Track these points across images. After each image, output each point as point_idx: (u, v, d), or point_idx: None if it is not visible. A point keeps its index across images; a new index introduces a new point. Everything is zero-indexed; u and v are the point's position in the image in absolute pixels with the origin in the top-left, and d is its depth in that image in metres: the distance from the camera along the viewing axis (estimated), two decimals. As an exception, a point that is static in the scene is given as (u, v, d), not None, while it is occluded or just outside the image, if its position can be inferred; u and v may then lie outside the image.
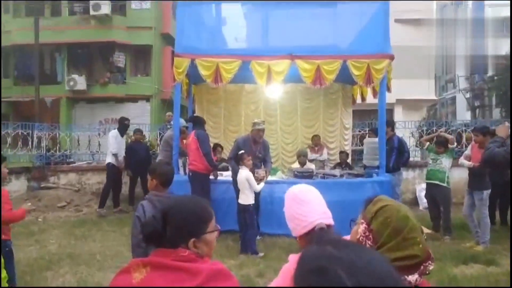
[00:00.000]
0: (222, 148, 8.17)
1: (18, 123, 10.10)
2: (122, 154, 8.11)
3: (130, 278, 1.29)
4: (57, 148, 10.49)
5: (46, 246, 5.62)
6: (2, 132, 9.40)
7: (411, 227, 1.27)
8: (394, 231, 1.27)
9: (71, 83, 16.56)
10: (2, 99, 17.33)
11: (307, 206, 1.59)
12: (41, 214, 7.72)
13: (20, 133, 9.76)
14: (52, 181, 9.35)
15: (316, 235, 1.50)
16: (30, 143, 9.91)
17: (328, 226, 1.58)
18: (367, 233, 1.35)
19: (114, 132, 8.16)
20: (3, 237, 3.06)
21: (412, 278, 1.20)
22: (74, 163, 10.24)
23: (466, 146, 7.70)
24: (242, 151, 5.51)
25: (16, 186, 8.78)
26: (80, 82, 16.65)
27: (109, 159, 8.00)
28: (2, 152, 8.23)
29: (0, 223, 3.01)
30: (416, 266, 1.22)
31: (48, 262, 4.90)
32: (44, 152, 10.08)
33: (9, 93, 17.46)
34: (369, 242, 1.30)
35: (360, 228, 1.35)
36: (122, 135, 8.23)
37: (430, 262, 1.28)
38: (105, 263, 4.90)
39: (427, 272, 1.29)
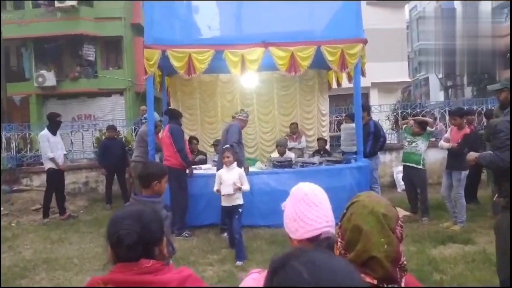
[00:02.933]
0: (197, 140, 8.03)
1: (-16, 124, 9.66)
2: (60, 155, 7.28)
3: None
4: (28, 148, 10.11)
5: (20, 252, 5.41)
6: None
7: (373, 226, 1.20)
8: (355, 228, 1.21)
9: (40, 79, 15.95)
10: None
11: (316, 211, 1.47)
12: (15, 219, 7.45)
13: (-13, 135, 9.35)
14: (25, 183, 9.04)
15: (323, 246, 1.40)
16: (-2, 144, 9.52)
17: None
18: (338, 231, 1.32)
19: (44, 133, 7.18)
20: None
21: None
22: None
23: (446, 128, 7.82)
24: (227, 146, 5.33)
25: (-14, 190, 8.42)
26: (49, 78, 16.05)
27: (48, 164, 7.13)
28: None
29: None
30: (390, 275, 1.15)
31: (23, 269, 4.73)
32: (15, 153, 9.71)
33: (-27, 92, 16.69)
34: (339, 240, 1.27)
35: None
36: (54, 134, 7.25)
37: (402, 262, 1.22)
38: (83, 266, 4.77)
39: (405, 269, 1.24)
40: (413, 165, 6.12)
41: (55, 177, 7.20)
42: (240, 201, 4.96)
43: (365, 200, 1.29)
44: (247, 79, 7.64)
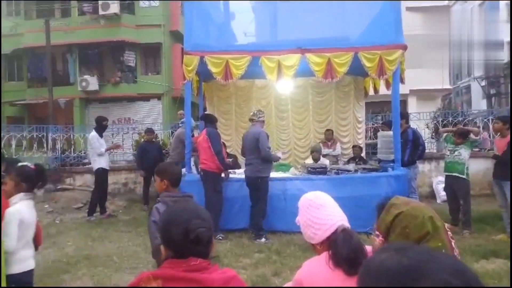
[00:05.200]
0: (225, 145, 8.11)
1: (33, 125, 10.23)
2: (106, 156, 7.73)
3: None
4: (72, 149, 10.60)
5: (63, 248, 5.68)
6: (18, 135, 9.54)
7: (432, 234, 1.19)
8: (415, 241, 1.19)
9: (84, 83, 16.75)
10: (16, 102, 17.68)
11: (326, 210, 1.57)
12: (58, 216, 7.83)
13: (35, 136, 9.89)
14: (68, 183, 9.48)
15: (340, 237, 1.47)
16: (45, 145, 10.04)
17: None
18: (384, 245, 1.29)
19: (94, 134, 7.54)
20: None
21: None
22: (89, 164, 10.35)
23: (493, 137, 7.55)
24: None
25: (33, 188, 8.90)
26: (92, 82, 16.82)
27: (98, 164, 7.45)
28: (18, 156, 8.37)
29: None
30: None
31: (66, 264, 4.96)
32: (59, 153, 10.21)
33: (23, 95, 17.77)
34: None
35: (377, 241, 1.29)
36: (101, 136, 7.66)
37: None
38: (122, 264, 4.93)
39: None
40: (457, 174, 5.91)
41: (104, 177, 7.55)
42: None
43: (408, 208, 1.28)
44: (283, 85, 7.67)
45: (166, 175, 2.81)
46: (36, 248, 3.12)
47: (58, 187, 9.26)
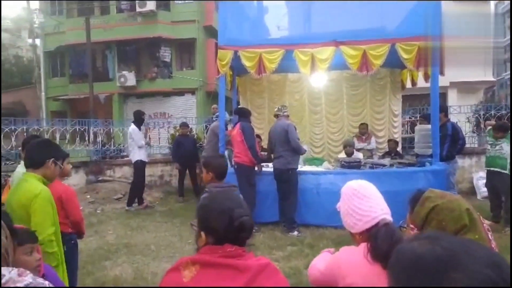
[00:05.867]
0: (260, 138, 8.16)
1: (75, 119, 10.71)
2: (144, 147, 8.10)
3: (180, 277, 1.32)
4: (112, 142, 11.03)
5: (104, 237, 5.96)
6: (61, 129, 10.03)
7: (469, 227, 1.17)
8: (451, 234, 1.18)
9: (122, 79, 17.30)
10: (59, 97, 18.57)
11: (370, 201, 1.55)
12: (99, 206, 8.19)
13: (77, 129, 10.36)
14: (108, 174, 9.88)
15: (381, 231, 1.46)
16: (86, 138, 10.51)
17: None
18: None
19: (135, 127, 7.85)
20: (69, 230, 3.18)
21: None
22: (127, 156, 10.73)
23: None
24: None
25: (76, 179, 9.36)
26: (130, 78, 17.35)
27: (137, 156, 7.77)
28: (63, 148, 8.82)
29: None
30: None
31: (107, 252, 5.21)
32: (100, 147, 10.64)
33: (65, 91, 18.64)
34: None
35: (412, 234, 1.28)
36: (139, 129, 8.02)
37: None
38: (159, 253, 5.12)
39: None
40: (499, 169, 5.67)
41: (142, 168, 7.90)
42: None
43: (444, 201, 1.26)
44: (316, 78, 7.60)
45: (210, 168, 2.94)
46: (80, 236, 3.32)
47: (99, 179, 9.67)
